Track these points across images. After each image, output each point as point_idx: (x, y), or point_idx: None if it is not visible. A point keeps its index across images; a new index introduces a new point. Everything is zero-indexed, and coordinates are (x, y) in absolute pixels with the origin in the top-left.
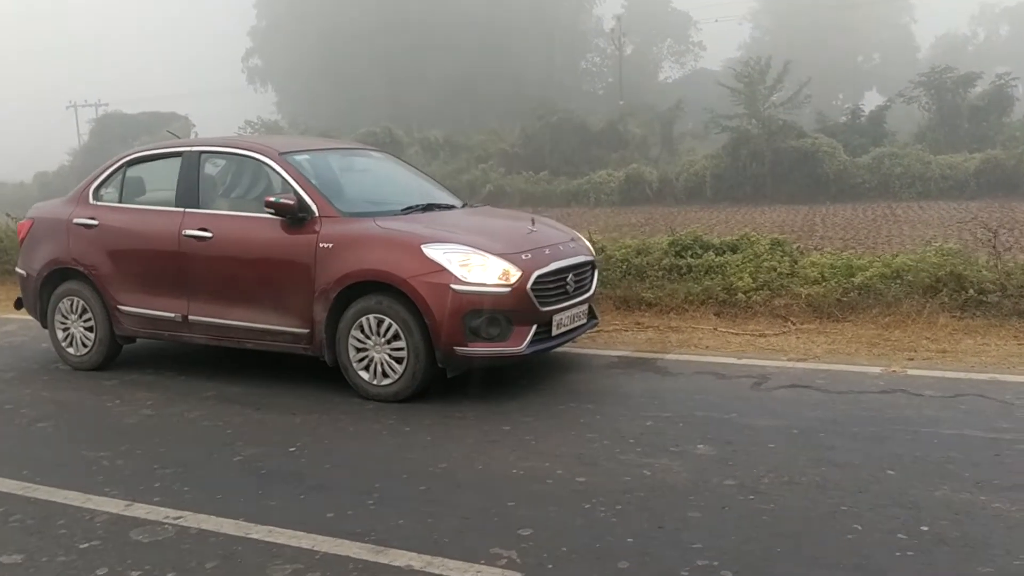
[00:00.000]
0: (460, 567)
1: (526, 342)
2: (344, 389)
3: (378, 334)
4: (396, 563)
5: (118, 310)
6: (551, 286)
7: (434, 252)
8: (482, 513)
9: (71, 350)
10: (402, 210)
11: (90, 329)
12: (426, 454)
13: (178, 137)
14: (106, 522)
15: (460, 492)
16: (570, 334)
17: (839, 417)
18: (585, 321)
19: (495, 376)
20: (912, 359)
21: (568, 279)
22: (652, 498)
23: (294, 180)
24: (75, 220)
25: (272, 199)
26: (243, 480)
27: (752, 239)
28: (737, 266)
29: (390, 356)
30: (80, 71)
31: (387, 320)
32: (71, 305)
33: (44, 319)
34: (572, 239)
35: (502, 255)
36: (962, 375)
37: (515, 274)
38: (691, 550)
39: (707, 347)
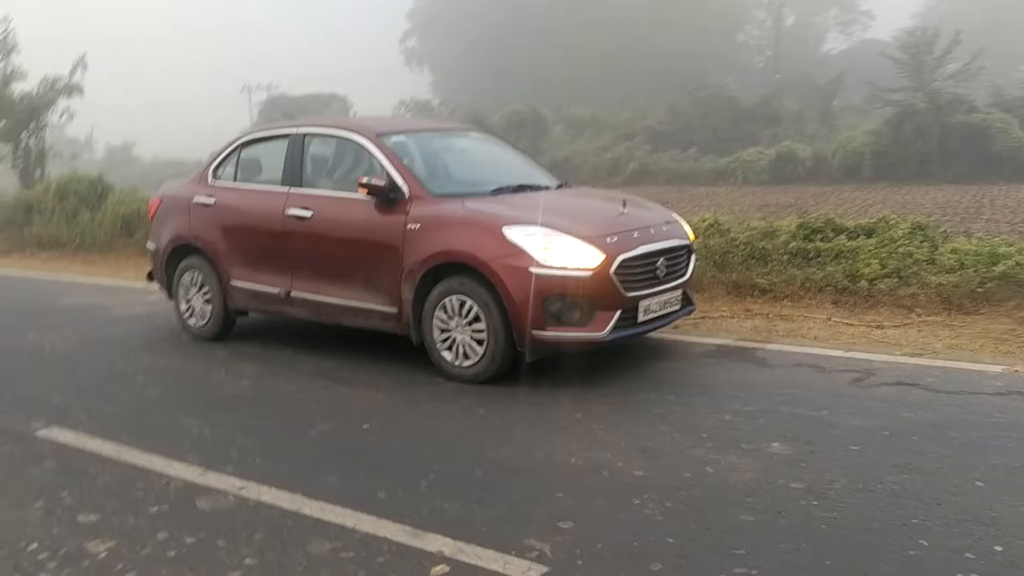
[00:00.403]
0: (490, 556)
1: (608, 328)
2: (430, 369)
3: (460, 315)
4: (428, 548)
5: (230, 285)
6: (638, 270)
7: (515, 234)
8: (528, 502)
9: (191, 321)
10: (492, 191)
11: (208, 302)
12: (491, 438)
13: (293, 119)
14: (178, 489)
15: (513, 479)
16: (660, 320)
17: (940, 419)
18: (679, 307)
19: (582, 361)
20: None
21: (658, 263)
22: (707, 497)
23: (388, 161)
24: (195, 199)
25: (365, 180)
26: (312, 454)
27: (891, 222)
28: (870, 251)
29: (471, 338)
30: (251, 52)
31: (469, 301)
32: (192, 279)
33: (169, 291)
34: (667, 222)
35: (585, 238)
36: None
37: (598, 257)
38: (732, 556)
39: (815, 337)
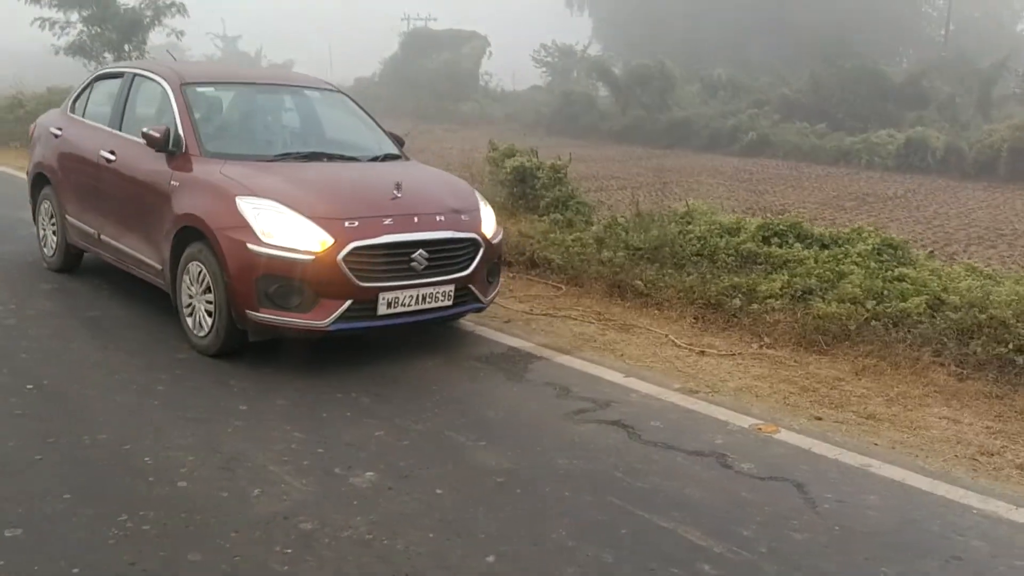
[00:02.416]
0: None
1: (331, 318)
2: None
3: (198, 283)
4: None
5: (66, 219)
6: (379, 260)
7: (245, 206)
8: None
9: (45, 250)
10: (275, 155)
11: (55, 234)
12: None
13: (175, 59)
14: None
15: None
16: (419, 315)
17: (599, 471)
18: (450, 304)
19: (337, 344)
20: (821, 418)
21: (414, 255)
22: (207, 518)
23: (179, 112)
24: (50, 128)
25: (145, 129)
26: None
27: (864, 234)
28: (811, 264)
29: (205, 309)
30: None
31: (203, 270)
32: (46, 208)
33: (33, 216)
34: (455, 210)
35: (318, 218)
36: (837, 451)
37: (326, 241)
38: None
39: (622, 355)
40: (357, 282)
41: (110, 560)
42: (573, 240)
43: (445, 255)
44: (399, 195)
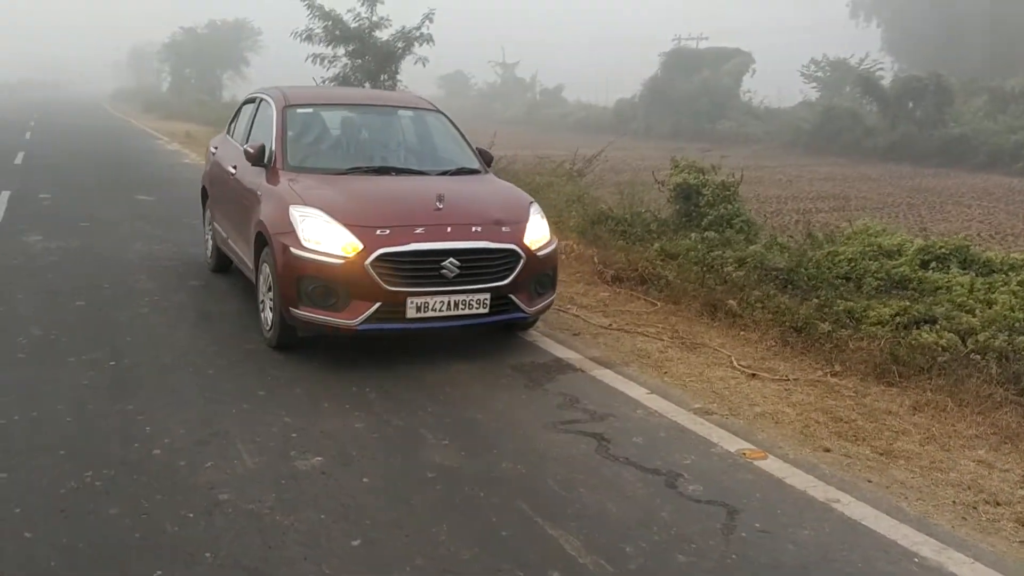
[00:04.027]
0: None
1: (361, 318)
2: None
3: (266, 283)
4: None
5: (213, 224)
6: (406, 266)
7: (295, 213)
8: None
9: (207, 253)
10: (346, 169)
11: (212, 238)
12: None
13: (315, 84)
14: None
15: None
16: (451, 320)
17: (536, 481)
18: (485, 311)
19: (394, 344)
20: (829, 450)
21: (444, 263)
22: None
23: (276, 130)
24: (211, 146)
25: (245, 146)
26: None
27: None
28: (964, 291)
29: (269, 306)
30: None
31: (268, 271)
32: (207, 216)
33: (204, 223)
34: (497, 222)
35: (352, 226)
36: (814, 484)
37: (356, 247)
38: None
39: (666, 372)
40: (385, 286)
41: (48, 507)
42: (690, 258)
43: (480, 264)
44: (440, 206)
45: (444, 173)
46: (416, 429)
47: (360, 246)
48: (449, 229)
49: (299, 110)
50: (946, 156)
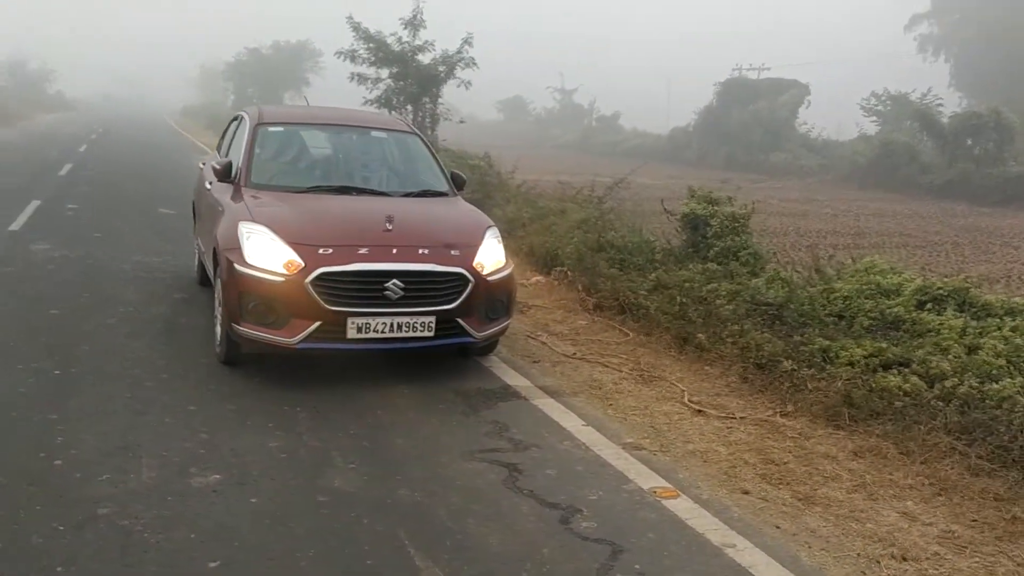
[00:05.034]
0: None
1: (300, 336)
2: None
3: (218, 299)
4: None
5: (195, 238)
6: (347, 286)
7: (242, 230)
8: None
9: (195, 266)
10: (307, 188)
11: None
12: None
13: (308, 104)
14: None
15: None
16: (394, 343)
17: (425, 510)
18: (431, 335)
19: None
20: (748, 492)
21: (387, 284)
22: None
23: (245, 147)
24: (201, 161)
25: (212, 162)
26: None
27: None
28: (952, 334)
29: (219, 321)
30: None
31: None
32: (194, 232)
33: None
34: (446, 245)
35: (294, 244)
36: (716, 526)
37: (297, 265)
38: None
39: (611, 404)
40: (325, 305)
41: None
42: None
43: (425, 287)
44: (390, 227)
45: (408, 195)
46: (329, 451)
47: (301, 264)
48: (395, 250)
49: (271, 128)
50: (1004, 195)
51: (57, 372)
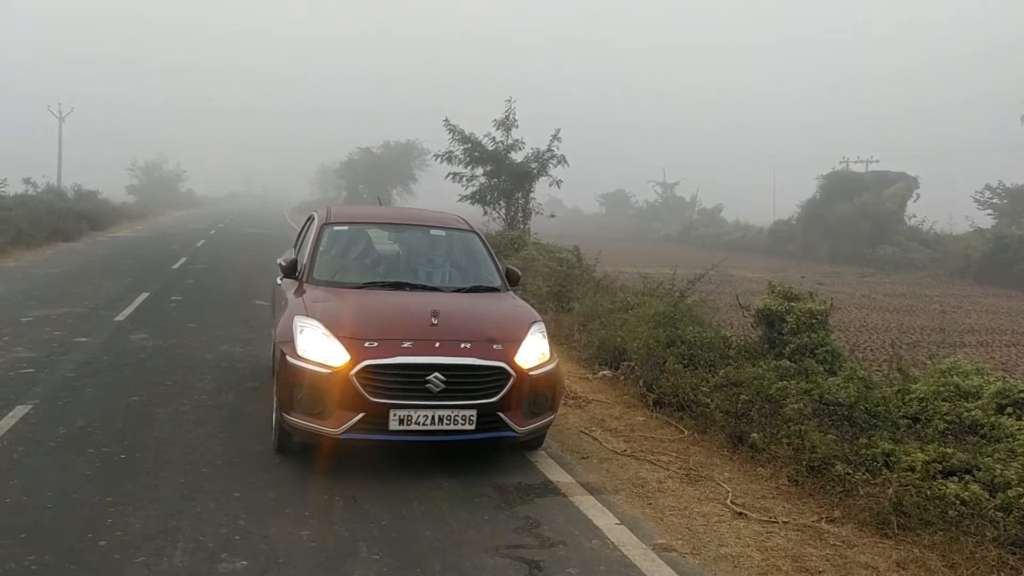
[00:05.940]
0: None
1: (343, 427)
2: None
3: None
4: None
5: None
6: (390, 379)
7: (296, 324)
8: None
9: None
10: (363, 284)
11: None
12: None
13: (380, 203)
14: None
15: None
16: (435, 435)
17: None
18: (472, 428)
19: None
20: None
21: (429, 378)
22: None
23: (311, 246)
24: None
25: (279, 260)
26: None
27: None
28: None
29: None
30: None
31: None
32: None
33: None
34: (488, 340)
35: (343, 338)
36: None
37: (343, 358)
38: None
39: (650, 504)
40: (369, 397)
41: None
42: (753, 387)
43: (467, 380)
44: (436, 322)
45: (459, 290)
46: (357, 541)
47: (347, 357)
48: (438, 344)
49: (336, 227)
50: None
51: (123, 456)
